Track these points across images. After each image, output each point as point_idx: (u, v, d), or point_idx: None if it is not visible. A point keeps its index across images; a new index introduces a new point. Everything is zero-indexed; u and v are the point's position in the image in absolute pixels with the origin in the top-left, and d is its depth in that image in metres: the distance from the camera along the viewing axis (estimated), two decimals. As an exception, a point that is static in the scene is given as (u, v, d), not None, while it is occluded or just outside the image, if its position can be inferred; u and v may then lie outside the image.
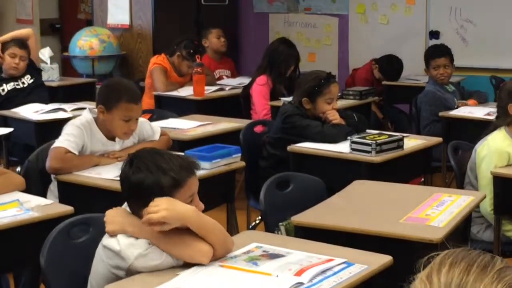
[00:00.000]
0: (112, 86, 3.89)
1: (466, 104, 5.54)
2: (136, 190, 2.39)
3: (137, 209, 2.41)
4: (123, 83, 4.06)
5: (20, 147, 5.24)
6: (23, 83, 5.66)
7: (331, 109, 4.40)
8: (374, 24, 7.87)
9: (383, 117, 6.92)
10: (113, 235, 2.40)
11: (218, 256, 2.43)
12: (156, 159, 2.41)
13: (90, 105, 4.93)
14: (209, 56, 6.97)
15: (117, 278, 2.37)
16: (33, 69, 5.81)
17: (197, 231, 2.38)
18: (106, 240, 2.42)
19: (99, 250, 2.46)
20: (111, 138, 3.82)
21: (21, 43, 5.71)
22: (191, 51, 6.22)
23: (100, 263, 2.44)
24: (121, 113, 3.70)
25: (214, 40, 7.03)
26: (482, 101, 5.62)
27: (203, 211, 2.48)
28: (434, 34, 7.48)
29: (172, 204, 2.35)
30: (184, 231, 2.39)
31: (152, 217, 2.32)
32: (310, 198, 3.28)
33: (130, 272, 2.35)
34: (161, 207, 2.33)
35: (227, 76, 7.04)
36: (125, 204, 2.52)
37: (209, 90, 5.98)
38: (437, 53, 5.73)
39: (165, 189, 2.37)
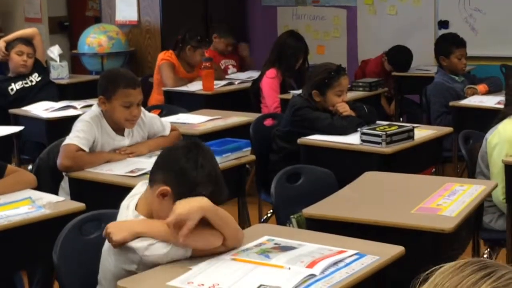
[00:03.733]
0: (108, 76, 3.92)
1: (475, 89, 5.51)
2: (179, 174, 2.41)
3: (159, 181, 2.43)
4: (118, 71, 4.12)
5: (31, 145, 5.26)
6: (31, 81, 5.68)
7: (341, 101, 4.39)
8: (383, 15, 7.84)
9: (393, 113, 6.90)
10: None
11: (230, 246, 2.45)
12: (216, 166, 2.48)
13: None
14: (213, 49, 7.01)
15: (127, 273, 2.38)
16: (40, 67, 5.83)
17: (213, 219, 2.40)
18: None
19: (105, 249, 2.48)
20: (119, 132, 3.83)
21: (26, 40, 5.74)
22: (198, 37, 6.25)
23: (107, 261, 2.46)
24: (120, 100, 3.71)
25: (222, 46, 7.05)
26: (493, 87, 5.55)
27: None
28: (443, 24, 7.45)
29: (186, 201, 2.38)
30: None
31: (173, 217, 2.34)
32: (321, 190, 3.28)
33: (143, 264, 2.36)
34: (178, 210, 2.35)
35: (233, 65, 7.05)
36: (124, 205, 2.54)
37: (218, 85, 5.98)
38: (462, 41, 5.71)
39: (197, 192, 2.39)
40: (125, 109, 3.73)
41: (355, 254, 2.40)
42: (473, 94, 5.46)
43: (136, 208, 2.50)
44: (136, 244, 2.36)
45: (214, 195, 2.44)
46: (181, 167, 2.41)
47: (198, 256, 2.41)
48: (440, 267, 1.16)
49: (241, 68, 7.14)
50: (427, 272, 1.17)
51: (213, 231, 2.42)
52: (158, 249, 2.36)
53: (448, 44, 5.70)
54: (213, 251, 2.43)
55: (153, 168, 2.52)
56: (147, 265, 2.36)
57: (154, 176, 2.48)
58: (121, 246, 2.37)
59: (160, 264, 2.36)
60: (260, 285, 2.17)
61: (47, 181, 3.72)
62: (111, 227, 2.41)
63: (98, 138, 3.74)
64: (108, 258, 2.46)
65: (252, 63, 7.19)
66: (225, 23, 7.27)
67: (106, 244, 2.47)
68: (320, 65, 4.59)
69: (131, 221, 2.46)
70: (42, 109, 5.16)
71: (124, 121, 3.77)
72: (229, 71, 6.83)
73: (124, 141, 3.83)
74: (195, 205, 2.37)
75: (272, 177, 3.45)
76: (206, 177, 2.40)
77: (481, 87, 5.52)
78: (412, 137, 4.10)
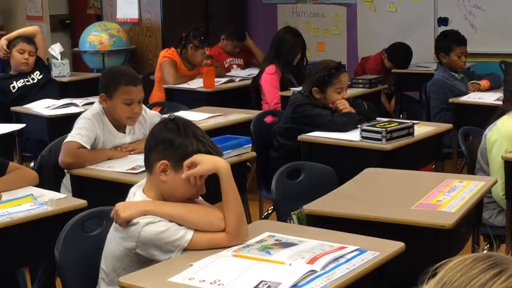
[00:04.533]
0: (110, 73, 3.96)
1: (478, 85, 5.53)
2: (167, 145, 2.50)
3: (155, 161, 2.51)
4: (120, 68, 4.16)
5: (33, 143, 5.28)
6: (32, 79, 5.70)
7: (341, 98, 4.40)
8: (382, 12, 7.85)
9: (393, 109, 6.91)
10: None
11: (231, 230, 2.48)
12: (199, 129, 2.59)
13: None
14: (220, 47, 7.02)
15: (127, 254, 2.43)
16: (42, 65, 5.85)
17: (224, 181, 2.49)
18: None
19: (111, 232, 2.53)
20: (121, 129, 3.85)
21: (28, 38, 5.76)
22: (202, 38, 6.26)
23: (111, 241, 2.51)
24: (121, 97, 3.74)
25: (228, 47, 7.06)
26: (495, 83, 5.57)
27: (216, 202, 2.56)
28: (443, 21, 7.45)
29: (207, 155, 2.50)
30: (200, 204, 2.53)
31: (190, 159, 2.46)
32: (322, 186, 3.29)
33: (141, 241, 2.41)
34: (196, 156, 2.47)
35: (237, 65, 7.05)
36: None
37: (219, 82, 6.00)
38: (463, 39, 5.72)
39: (190, 154, 2.48)
40: (126, 107, 3.75)
41: (356, 250, 2.42)
42: (476, 90, 5.49)
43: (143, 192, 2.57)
44: (138, 219, 2.42)
45: (211, 154, 2.51)
46: (167, 138, 2.51)
47: (198, 247, 2.44)
48: (448, 261, 1.13)
49: (248, 66, 7.12)
50: (434, 267, 1.14)
51: (218, 216, 2.48)
52: (157, 227, 2.41)
53: (449, 41, 5.71)
54: (214, 245, 2.46)
55: (144, 155, 2.60)
56: (145, 243, 2.41)
57: (148, 159, 2.56)
58: (127, 223, 2.43)
59: (157, 242, 2.41)
60: (261, 281, 2.18)
61: (49, 178, 3.74)
62: (119, 205, 2.48)
63: (100, 135, 3.75)
64: (112, 238, 2.51)
65: (260, 52, 7.13)
66: (235, 26, 7.25)
67: (112, 227, 2.52)
68: (320, 62, 4.61)
69: (140, 201, 2.53)
70: (44, 107, 5.18)
71: (125, 118, 3.79)
72: (232, 70, 6.83)
73: (126, 138, 3.85)
74: (212, 159, 2.48)
75: (272, 174, 3.47)
76: (194, 140, 2.49)
77: (484, 82, 5.55)
78: (412, 134, 4.12)
